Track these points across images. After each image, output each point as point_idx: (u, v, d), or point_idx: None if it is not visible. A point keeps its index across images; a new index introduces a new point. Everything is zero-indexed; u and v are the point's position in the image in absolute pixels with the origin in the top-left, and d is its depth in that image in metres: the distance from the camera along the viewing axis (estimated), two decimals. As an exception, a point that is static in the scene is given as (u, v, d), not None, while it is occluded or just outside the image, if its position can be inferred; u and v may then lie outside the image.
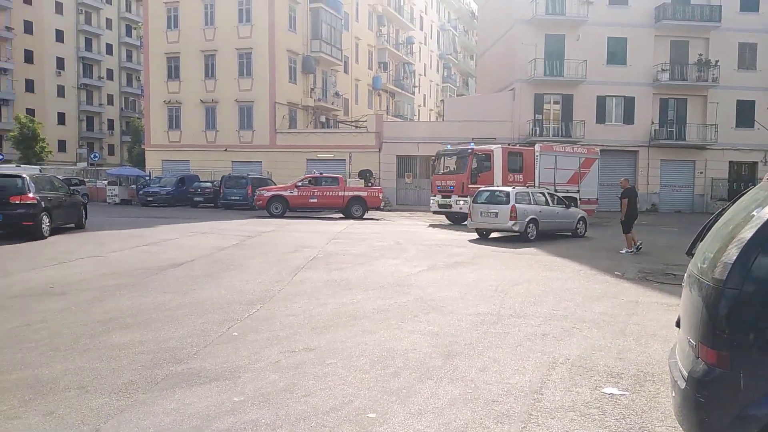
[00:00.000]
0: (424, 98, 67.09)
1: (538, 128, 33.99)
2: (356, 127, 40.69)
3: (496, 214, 16.26)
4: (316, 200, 24.14)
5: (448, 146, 23.78)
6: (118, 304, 6.94)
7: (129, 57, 75.25)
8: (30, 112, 58.96)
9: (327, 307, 7.02)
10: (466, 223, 21.42)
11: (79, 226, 16.88)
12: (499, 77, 38.53)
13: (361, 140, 36.33)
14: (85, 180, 38.93)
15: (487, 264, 11.11)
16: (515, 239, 16.33)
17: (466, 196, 21.39)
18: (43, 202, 14.03)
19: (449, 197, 21.98)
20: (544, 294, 8.17)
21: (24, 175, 14.23)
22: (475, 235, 17.35)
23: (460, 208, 21.66)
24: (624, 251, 13.84)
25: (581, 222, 18.38)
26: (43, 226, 14.09)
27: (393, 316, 6.58)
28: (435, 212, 23.42)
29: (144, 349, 5.18)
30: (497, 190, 17.01)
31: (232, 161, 37.94)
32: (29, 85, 62.47)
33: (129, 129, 68.99)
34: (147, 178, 37.49)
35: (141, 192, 33.21)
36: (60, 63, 65.69)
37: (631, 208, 14.32)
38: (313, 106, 41.07)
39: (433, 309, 7.01)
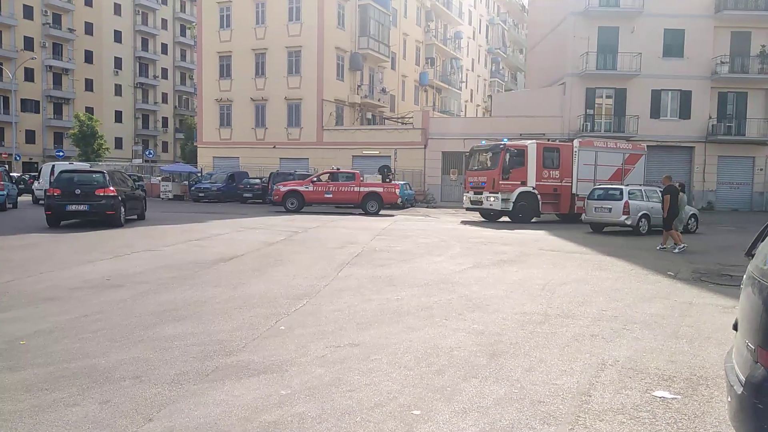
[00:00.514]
0: (472, 93, 66.48)
1: (589, 123, 33.21)
2: (402, 123, 40.72)
3: (610, 210, 17.59)
4: (331, 195, 24.28)
5: (483, 142, 23.53)
6: (171, 297, 7.17)
7: (183, 56, 77.39)
8: (89, 110, 61.52)
9: (372, 303, 7.06)
10: (503, 217, 21.13)
11: (141, 218, 18.57)
12: (549, 72, 37.83)
13: (406, 137, 36.35)
14: (142, 176, 40.30)
15: (534, 262, 10.94)
16: (570, 237, 16.03)
17: (497, 193, 21.19)
18: (120, 195, 16.11)
19: (481, 194, 21.81)
20: (593, 294, 7.99)
21: (105, 171, 16.42)
22: (521, 233, 17.13)
23: (491, 205, 21.50)
24: (676, 249, 13.45)
25: (692, 219, 18.74)
26: (121, 216, 16.17)
27: (437, 314, 6.57)
28: (468, 209, 23.27)
29: (195, 341, 5.34)
30: (611, 187, 18.53)
31: (280, 158, 38.60)
32: (89, 85, 65.08)
33: (182, 127, 71.06)
34: (199, 174, 38.54)
35: (193, 188, 34.15)
36: (118, 63, 68.20)
37: (673, 206, 13.96)
38: (360, 103, 41.32)
39: (477, 307, 6.96)
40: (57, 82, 61.97)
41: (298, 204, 24.31)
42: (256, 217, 21.38)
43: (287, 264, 10.05)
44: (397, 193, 25.08)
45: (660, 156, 32.13)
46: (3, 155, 54.69)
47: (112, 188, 15.71)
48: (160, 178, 39.55)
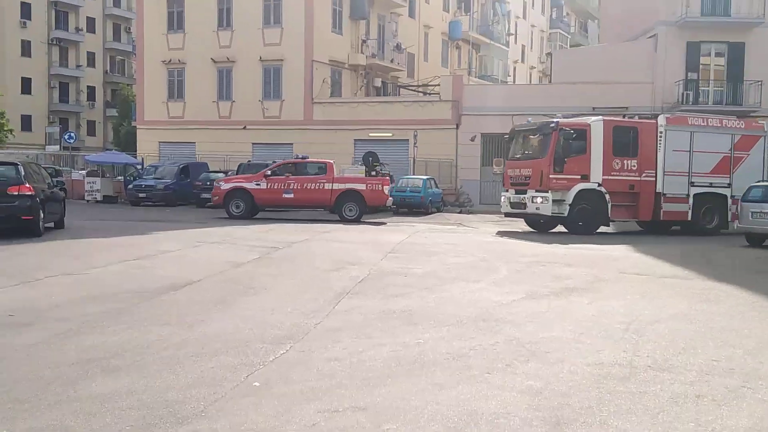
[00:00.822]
0: (523, 51, 66.55)
1: (691, 92, 33.07)
2: (424, 93, 40.75)
3: None
4: (291, 195, 24.67)
5: (529, 119, 23.51)
6: (100, 340, 7.20)
7: (117, 0, 77.79)
8: (-15, 77, 61.71)
9: (383, 349, 7.05)
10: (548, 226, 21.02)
11: (59, 226, 19.06)
12: (633, 20, 37.74)
13: (431, 112, 36.37)
14: (60, 169, 40.53)
15: (612, 291, 10.91)
16: (663, 255, 15.94)
17: (546, 192, 21.05)
18: (38, 195, 16.42)
19: (524, 193, 21.81)
20: (698, 336, 7.94)
21: (19, 163, 17.17)
22: (593, 250, 17.05)
23: (537, 209, 21.44)
24: None
25: None
26: (40, 222, 16.69)
27: (476, 365, 6.55)
28: (507, 214, 23.40)
29: (134, 402, 5.35)
30: None
31: (253, 143, 38.74)
32: (-15, 42, 65.42)
33: (115, 100, 71.25)
34: (138, 167, 38.73)
35: (131, 186, 34.35)
36: (25, 10, 68.31)
37: None
38: (365, 65, 41.44)
39: (533, 355, 6.93)
40: (-59, 38, 62.46)
41: (246, 208, 24.72)
42: (220, 226, 21.43)
43: (262, 293, 10.07)
44: (386, 191, 25.24)
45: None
46: None
47: (28, 185, 16.24)
48: (84, 171, 39.80)
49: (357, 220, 24.39)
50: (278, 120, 38.69)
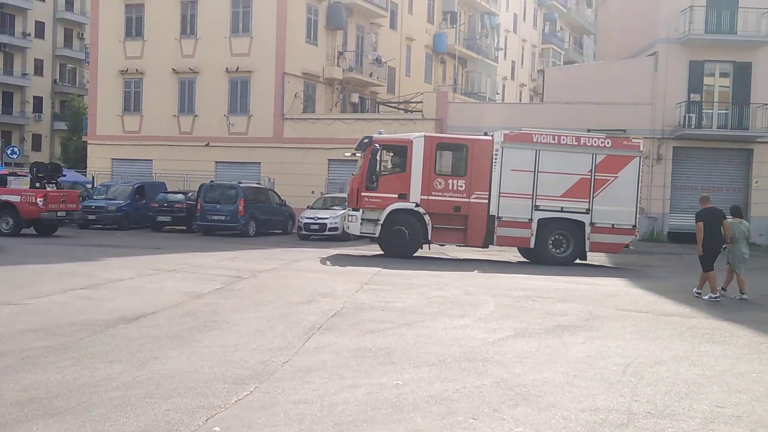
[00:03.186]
0: (513, 67, 67.18)
1: (693, 115, 33.46)
2: (406, 111, 40.92)
3: None
4: None
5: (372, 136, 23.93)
6: (42, 378, 7.12)
7: (69, 4, 77.66)
8: None
9: (357, 390, 7.03)
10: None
11: None
12: (631, 36, 38.32)
13: (412, 131, 36.10)
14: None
15: (609, 330, 10.96)
16: (666, 291, 16.05)
17: (358, 210, 22.08)
18: None
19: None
20: (702, 380, 7.99)
21: None
22: (590, 284, 17.13)
23: (348, 228, 22.85)
24: (706, 296, 14.78)
25: None
26: None
27: (460, 409, 6.54)
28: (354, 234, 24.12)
29: (78, 448, 5.29)
30: None
31: (217, 162, 38.67)
32: None
33: (65, 112, 70.84)
34: (89, 186, 38.43)
35: (80, 207, 33.99)
36: (-34, 12, 67.99)
37: (708, 237, 14.98)
38: (342, 78, 41.60)
39: (523, 399, 6.94)
40: None
41: None
42: (178, 252, 21.33)
43: (224, 328, 10.03)
44: (40, 203, 25.78)
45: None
46: None
47: None
48: (27, 190, 39.37)
49: (14, 234, 25.21)
50: (245, 137, 38.61)
